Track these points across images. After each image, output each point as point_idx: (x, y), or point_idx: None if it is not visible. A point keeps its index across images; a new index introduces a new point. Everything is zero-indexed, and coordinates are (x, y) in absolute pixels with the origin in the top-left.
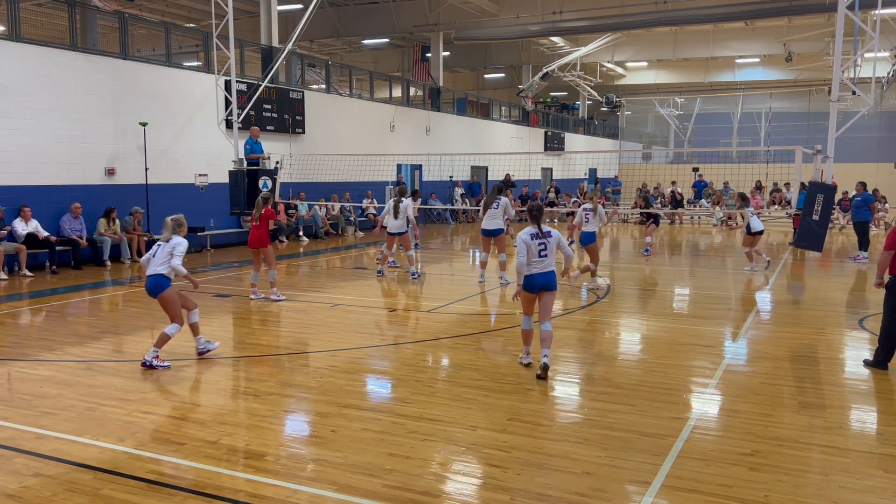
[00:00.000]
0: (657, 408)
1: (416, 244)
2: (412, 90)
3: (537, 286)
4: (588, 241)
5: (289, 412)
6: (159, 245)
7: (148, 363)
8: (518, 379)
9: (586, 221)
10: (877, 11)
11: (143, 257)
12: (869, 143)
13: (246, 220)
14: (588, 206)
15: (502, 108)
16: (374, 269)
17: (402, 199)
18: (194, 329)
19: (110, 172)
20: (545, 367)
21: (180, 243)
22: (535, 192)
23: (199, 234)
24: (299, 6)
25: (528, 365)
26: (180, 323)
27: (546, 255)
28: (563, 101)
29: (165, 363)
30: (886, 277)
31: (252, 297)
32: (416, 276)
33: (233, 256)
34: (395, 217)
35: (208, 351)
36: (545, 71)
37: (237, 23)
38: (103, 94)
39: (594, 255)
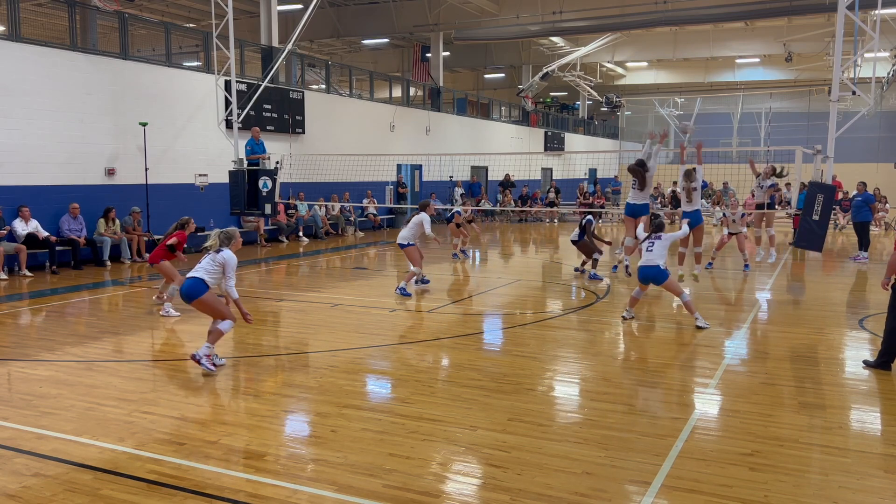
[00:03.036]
0: (657, 408)
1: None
2: (412, 90)
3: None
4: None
5: (289, 412)
6: (208, 254)
7: (198, 358)
8: (518, 379)
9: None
10: (877, 11)
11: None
12: (869, 143)
13: (247, 220)
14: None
15: (502, 108)
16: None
17: (420, 212)
18: (214, 336)
19: (110, 172)
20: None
21: (231, 259)
22: (535, 191)
23: (199, 234)
24: (299, 6)
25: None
26: (232, 318)
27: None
28: (563, 101)
29: (213, 367)
30: (893, 279)
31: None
32: (402, 292)
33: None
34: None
35: (215, 365)
36: (545, 71)
37: (237, 23)
38: (103, 94)
39: (699, 236)
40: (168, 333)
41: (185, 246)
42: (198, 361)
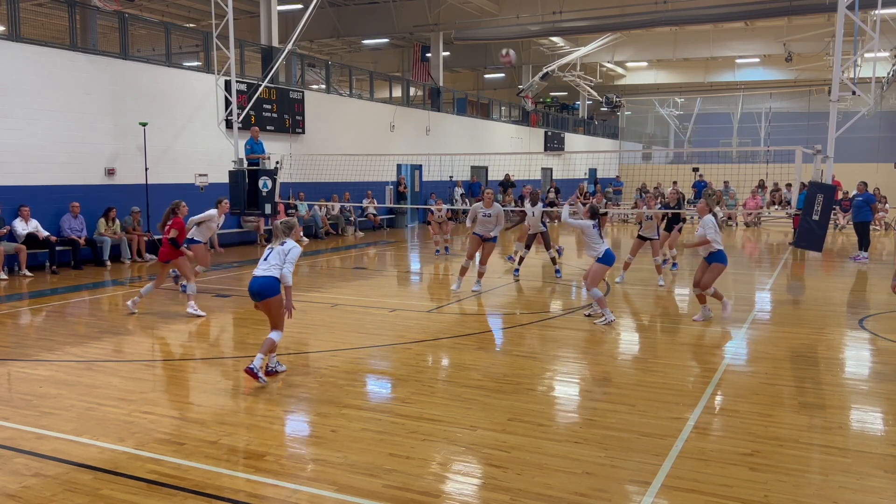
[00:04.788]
0: (657, 408)
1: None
2: (412, 90)
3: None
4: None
5: (289, 412)
6: (271, 248)
7: (255, 371)
8: (518, 379)
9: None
10: (877, 11)
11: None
12: (869, 143)
13: (247, 220)
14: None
15: (502, 108)
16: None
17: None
18: (267, 346)
19: (110, 172)
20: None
21: (295, 248)
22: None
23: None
24: (299, 6)
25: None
26: (282, 330)
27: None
28: (563, 101)
29: (265, 379)
30: None
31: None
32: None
33: (233, 256)
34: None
35: (276, 372)
36: (545, 71)
37: (237, 23)
38: (103, 94)
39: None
40: (168, 333)
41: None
42: (255, 375)
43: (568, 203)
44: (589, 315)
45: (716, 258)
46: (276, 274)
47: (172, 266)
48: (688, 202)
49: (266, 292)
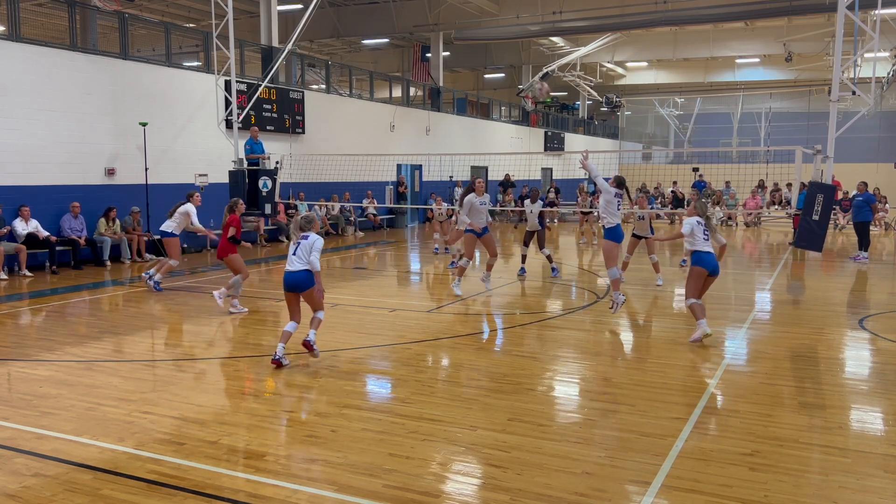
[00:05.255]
0: (657, 408)
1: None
2: (412, 90)
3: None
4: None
5: (289, 412)
6: (298, 244)
7: (312, 343)
8: (518, 379)
9: (706, 239)
10: (877, 11)
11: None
12: (869, 143)
13: (248, 220)
14: (700, 219)
15: (502, 108)
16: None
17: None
18: (316, 323)
19: (110, 172)
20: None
21: (318, 239)
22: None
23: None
24: (299, 6)
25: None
26: (323, 309)
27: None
28: (563, 101)
29: (318, 352)
30: None
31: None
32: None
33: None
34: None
35: (312, 348)
36: (545, 71)
37: (237, 23)
38: (103, 94)
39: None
40: (168, 333)
41: (188, 246)
42: (311, 347)
43: (584, 155)
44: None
45: (693, 261)
46: (306, 267)
47: (227, 263)
48: (687, 202)
49: (302, 285)
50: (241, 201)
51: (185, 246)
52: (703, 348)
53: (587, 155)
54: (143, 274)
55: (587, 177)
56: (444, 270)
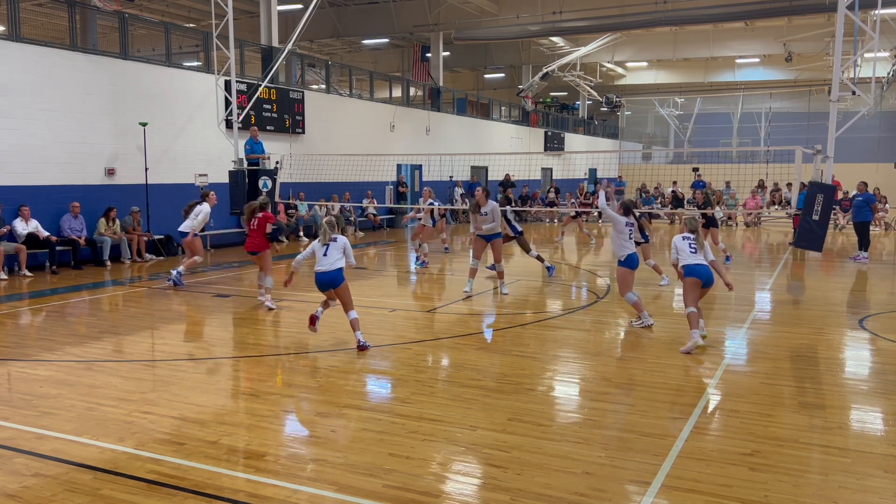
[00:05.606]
0: (657, 408)
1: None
2: (412, 90)
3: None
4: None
5: (289, 412)
6: (328, 245)
7: (364, 345)
8: (518, 379)
9: (693, 252)
10: (877, 11)
11: (300, 257)
12: (869, 143)
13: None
14: (688, 234)
15: (502, 108)
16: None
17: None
18: (356, 323)
19: (110, 172)
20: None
21: (346, 240)
22: (534, 191)
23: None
24: (299, 6)
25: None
26: (353, 308)
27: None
28: (563, 101)
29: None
30: None
31: (260, 297)
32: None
33: (233, 256)
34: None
35: (366, 347)
36: (545, 71)
37: (237, 23)
38: (103, 94)
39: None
40: (168, 333)
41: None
42: (365, 347)
43: (602, 189)
44: (635, 325)
45: (685, 273)
46: (341, 265)
47: (257, 260)
48: (687, 202)
49: (337, 281)
50: (268, 201)
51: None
52: (703, 348)
53: (605, 190)
54: (173, 272)
55: (587, 177)
56: (442, 271)
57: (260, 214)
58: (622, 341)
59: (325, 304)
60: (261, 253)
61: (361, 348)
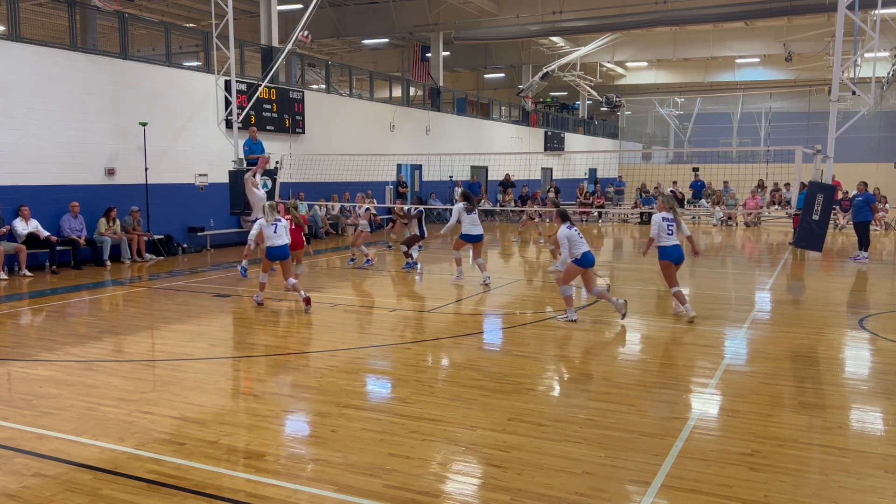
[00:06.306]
0: (657, 408)
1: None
2: (412, 90)
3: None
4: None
5: (289, 412)
6: (275, 224)
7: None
8: (518, 379)
9: (669, 234)
10: (877, 11)
11: (251, 234)
12: (869, 143)
13: (247, 220)
14: (667, 214)
15: (502, 108)
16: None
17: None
18: (296, 287)
19: (110, 172)
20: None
21: (287, 224)
22: (535, 191)
23: (199, 233)
24: (299, 6)
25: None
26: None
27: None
28: (563, 101)
29: None
30: None
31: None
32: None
33: (233, 256)
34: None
35: (308, 299)
36: (545, 71)
37: (237, 23)
38: (103, 94)
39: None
40: (168, 333)
41: (188, 245)
42: (308, 300)
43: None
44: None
45: (659, 255)
46: (288, 241)
47: (296, 255)
48: (686, 202)
49: (286, 255)
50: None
51: (185, 246)
52: (703, 348)
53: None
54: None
55: (587, 177)
56: (446, 271)
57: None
58: (622, 341)
59: (267, 271)
60: (300, 250)
61: (306, 300)
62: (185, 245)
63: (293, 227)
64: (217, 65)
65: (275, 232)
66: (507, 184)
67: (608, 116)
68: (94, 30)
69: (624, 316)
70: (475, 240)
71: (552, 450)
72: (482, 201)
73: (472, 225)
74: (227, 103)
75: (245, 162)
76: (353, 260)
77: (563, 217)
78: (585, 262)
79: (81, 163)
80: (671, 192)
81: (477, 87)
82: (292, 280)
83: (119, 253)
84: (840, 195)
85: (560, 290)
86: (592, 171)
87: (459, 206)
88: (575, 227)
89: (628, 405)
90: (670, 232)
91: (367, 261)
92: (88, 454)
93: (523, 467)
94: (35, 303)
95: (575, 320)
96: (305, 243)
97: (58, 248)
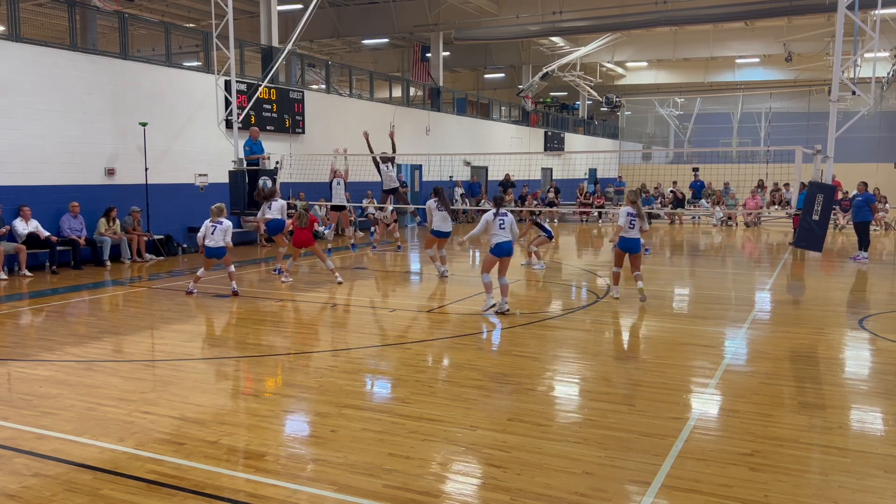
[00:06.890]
0: (657, 408)
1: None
2: (412, 90)
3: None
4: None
5: (289, 412)
6: (215, 226)
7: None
8: (518, 379)
9: (631, 227)
10: (877, 11)
11: (200, 233)
12: (869, 143)
13: (247, 220)
14: (631, 209)
15: (502, 108)
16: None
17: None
18: (231, 276)
19: (110, 172)
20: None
21: (231, 226)
22: (535, 191)
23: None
24: (299, 6)
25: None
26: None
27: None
28: (563, 101)
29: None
30: None
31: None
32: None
33: (232, 257)
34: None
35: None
36: (545, 71)
37: (237, 23)
38: (103, 94)
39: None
40: (168, 333)
41: (189, 245)
42: (236, 293)
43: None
44: (497, 312)
45: (618, 243)
46: (223, 244)
47: (313, 250)
48: (687, 202)
49: (221, 255)
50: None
51: (185, 246)
52: (703, 348)
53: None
54: (274, 271)
55: (587, 177)
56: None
57: (308, 215)
58: (622, 341)
59: (206, 267)
60: (312, 247)
61: (234, 293)
62: (185, 245)
63: (297, 226)
64: (217, 65)
65: (213, 233)
66: (507, 184)
67: (608, 116)
68: (94, 30)
69: (505, 312)
70: (444, 236)
71: (552, 450)
72: (482, 201)
73: (442, 221)
74: (227, 103)
75: (245, 162)
76: (375, 248)
77: (496, 202)
78: (500, 251)
79: (81, 163)
80: (671, 192)
81: (477, 88)
82: (231, 268)
83: (119, 253)
84: (840, 195)
85: (481, 277)
86: (592, 172)
87: (431, 202)
88: (503, 217)
89: (628, 405)
90: (632, 226)
91: (373, 246)
92: (88, 454)
93: (523, 467)
94: (35, 303)
95: (494, 305)
96: (318, 240)
97: (58, 248)
